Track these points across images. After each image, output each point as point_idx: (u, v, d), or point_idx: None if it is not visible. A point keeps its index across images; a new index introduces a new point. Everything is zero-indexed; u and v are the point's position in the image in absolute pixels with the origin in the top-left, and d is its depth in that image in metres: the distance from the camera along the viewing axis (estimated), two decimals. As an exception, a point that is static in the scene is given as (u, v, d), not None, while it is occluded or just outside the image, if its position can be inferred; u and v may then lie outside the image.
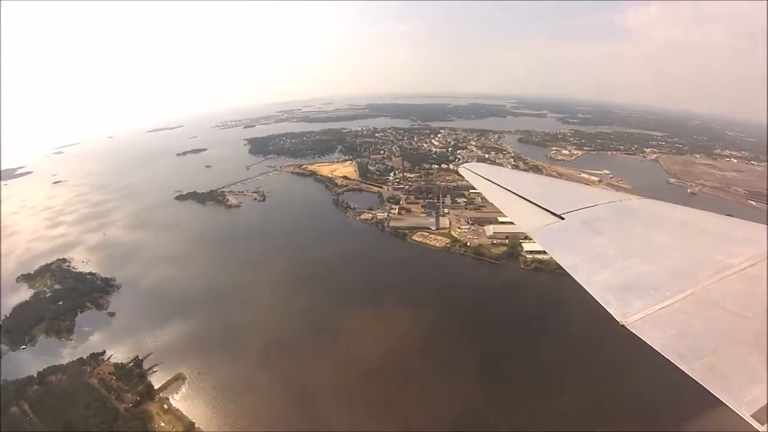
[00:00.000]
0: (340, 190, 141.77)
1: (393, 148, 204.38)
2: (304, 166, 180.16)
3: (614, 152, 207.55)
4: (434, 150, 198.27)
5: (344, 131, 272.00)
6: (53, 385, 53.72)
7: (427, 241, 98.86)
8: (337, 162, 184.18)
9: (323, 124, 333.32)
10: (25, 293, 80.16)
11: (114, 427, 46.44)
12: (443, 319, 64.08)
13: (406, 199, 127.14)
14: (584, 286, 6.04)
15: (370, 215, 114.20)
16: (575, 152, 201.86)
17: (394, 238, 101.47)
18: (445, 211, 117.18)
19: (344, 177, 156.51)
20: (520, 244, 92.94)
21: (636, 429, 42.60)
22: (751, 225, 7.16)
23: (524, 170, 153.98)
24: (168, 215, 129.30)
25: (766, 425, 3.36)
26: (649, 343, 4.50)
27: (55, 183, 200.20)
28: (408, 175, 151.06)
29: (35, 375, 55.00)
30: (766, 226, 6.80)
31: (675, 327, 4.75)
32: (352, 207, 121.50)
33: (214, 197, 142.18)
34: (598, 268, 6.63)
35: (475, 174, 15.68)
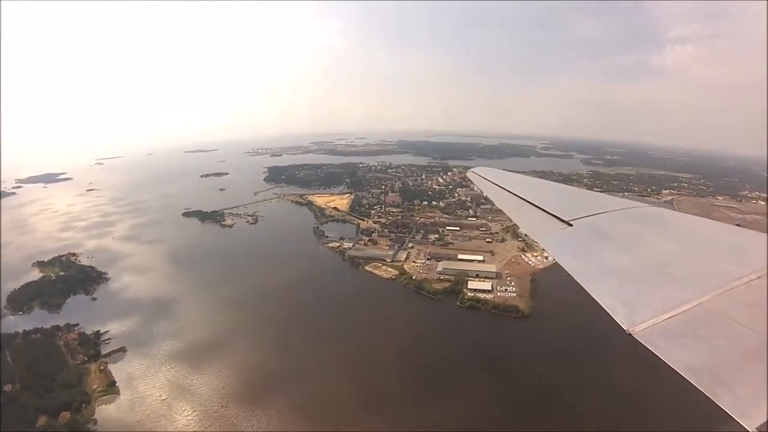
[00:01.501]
0: (325, 219, 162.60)
1: (396, 184, 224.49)
2: (305, 195, 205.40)
3: (627, 193, 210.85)
4: (435, 187, 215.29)
5: (360, 166, 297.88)
6: (31, 340, 76.78)
7: (377, 272, 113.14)
8: (337, 194, 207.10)
9: (346, 157, 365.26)
10: (35, 275, 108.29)
11: (58, 373, 66.69)
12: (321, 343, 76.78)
13: (379, 232, 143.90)
14: (591, 294, 6.35)
15: (338, 244, 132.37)
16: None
17: (349, 266, 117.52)
18: (410, 245, 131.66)
19: (335, 208, 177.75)
20: (465, 282, 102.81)
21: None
22: (762, 236, 7.43)
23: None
24: (165, 229, 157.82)
25: None
26: (655, 353, 4.69)
27: (88, 191, 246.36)
28: (392, 209, 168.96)
29: (21, 332, 78.18)
30: None
31: (683, 337, 4.91)
32: (326, 235, 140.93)
33: (214, 217, 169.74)
34: (605, 275, 7.01)
35: (483, 178, 16.61)
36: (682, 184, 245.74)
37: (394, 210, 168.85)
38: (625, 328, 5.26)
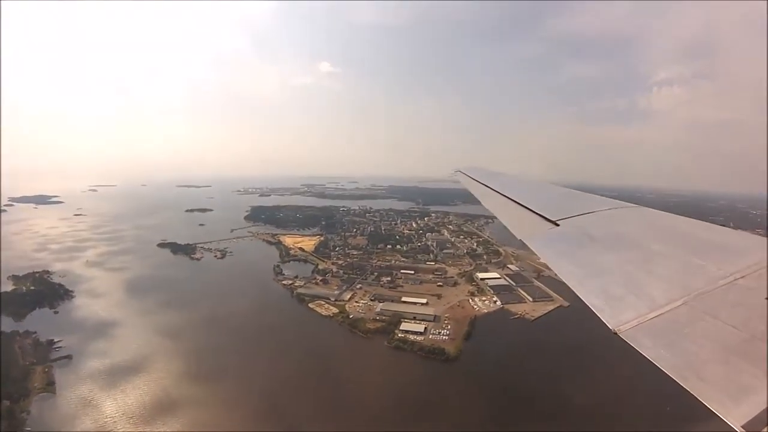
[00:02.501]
0: (288, 258, 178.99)
1: (368, 228, 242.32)
2: (277, 235, 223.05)
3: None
4: (406, 232, 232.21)
5: (341, 209, 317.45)
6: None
7: (318, 309, 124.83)
8: (307, 235, 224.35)
9: (331, 200, 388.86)
10: (8, 287, 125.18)
11: (7, 370, 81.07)
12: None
13: (333, 273, 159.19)
14: (577, 293, 6.63)
15: (291, 281, 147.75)
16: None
17: (295, 302, 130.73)
18: (359, 286, 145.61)
19: (300, 248, 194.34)
20: (400, 322, 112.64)
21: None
22: (746, 235, 7.83)
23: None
24: (136, 258, 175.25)
25: None
26: (641, 352, 4.87)
27: (75, 215, 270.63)
28: (353, 252, 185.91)
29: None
30: (761, 236, 7.31)
31: (668, 336, 5.12)
32: (282, 273, 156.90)
33: (186, 249, 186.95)
34: (591, 274, 7.30)
35: (470, 178, 17.55)
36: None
37: (355, 252, 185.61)
38: (611, 328, 5.47)
